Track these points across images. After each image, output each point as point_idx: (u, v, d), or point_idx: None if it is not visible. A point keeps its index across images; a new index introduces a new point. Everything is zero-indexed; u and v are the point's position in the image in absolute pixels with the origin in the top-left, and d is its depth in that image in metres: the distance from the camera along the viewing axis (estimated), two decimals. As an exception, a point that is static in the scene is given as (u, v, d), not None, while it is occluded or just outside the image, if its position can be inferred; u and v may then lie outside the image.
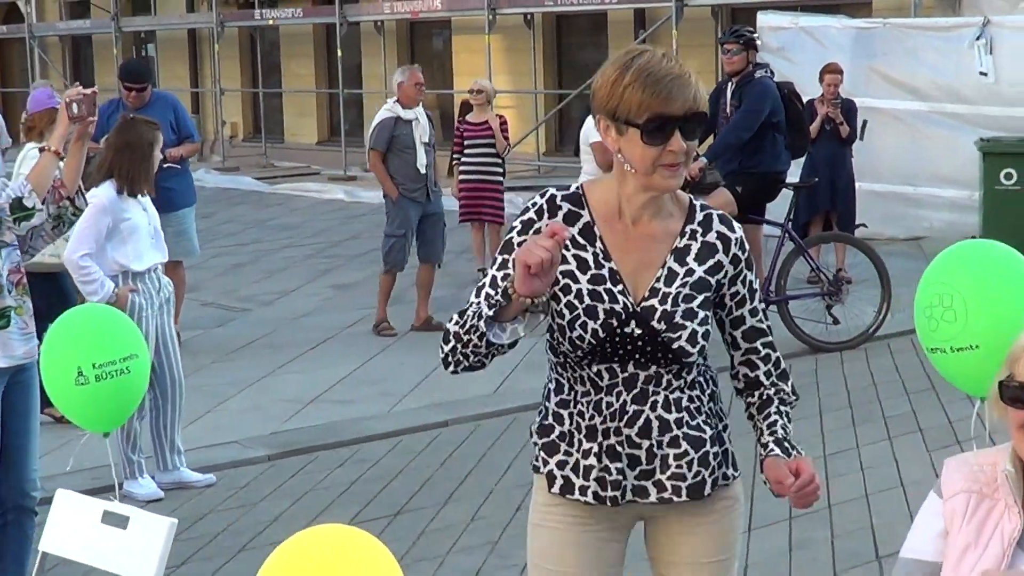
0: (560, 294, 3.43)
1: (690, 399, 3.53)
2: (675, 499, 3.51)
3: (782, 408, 3.61)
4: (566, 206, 3.48)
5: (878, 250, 11.17)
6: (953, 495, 3.09)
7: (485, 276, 3.48)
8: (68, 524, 3.97)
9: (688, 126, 3.33)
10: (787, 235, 10.93)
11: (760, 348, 3.60)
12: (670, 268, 3.46)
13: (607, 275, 3.43)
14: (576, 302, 3.42)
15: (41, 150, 5.58)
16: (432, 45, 26.31)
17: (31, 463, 5.66)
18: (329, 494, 7.60)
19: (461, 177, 13.62)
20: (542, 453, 3.59)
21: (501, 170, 13.74)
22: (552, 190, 3.53)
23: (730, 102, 11.04)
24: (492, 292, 3.39)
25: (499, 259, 3.48)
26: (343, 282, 14.31)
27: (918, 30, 15.54)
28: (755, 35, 11.21)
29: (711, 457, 3.54)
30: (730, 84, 11.10)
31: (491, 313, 3.25)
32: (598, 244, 3.45)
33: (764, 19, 16.26)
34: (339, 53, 25.27)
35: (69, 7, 33.55)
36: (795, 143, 11.21)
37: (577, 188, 3.52)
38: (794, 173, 11.94)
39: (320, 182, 23.78)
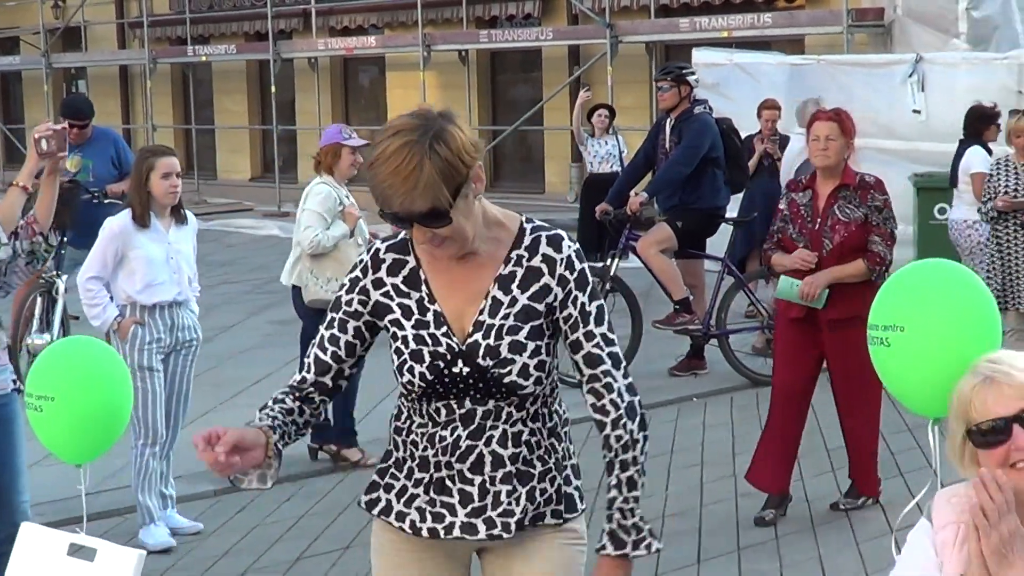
0: (391, 340, 3.52)
1: (531, 432, 3.50)
2: (504, 535, 3.49)
3: (623, 475, 3.47)
4: (390, 256, 3.54)
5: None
6: (944, 526, 3.07)
7: (322, 325, 3.60)
8: (34, 557, 3.94)
9: (421, 222, 3.29)
10: (727, 269, 11.03)
11: (600, 376, 3.46)
12: (494, 297, 3.45)
13: (431, 319, 3.46)
14: (403, 347, 3.48)
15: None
16: (366, 82, 26.35)
17: (18, 496, 5.54)
18: (278, 528, 7.58)
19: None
20: (375, 476, 3.65)
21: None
22: (377, 243, 3.60)
23: (669, 138, 11.11)
24: (320, 354, 3.57)
25: (330, 316, 3.58)
26: (283, 318, 14.23)
27: (851, 67, 15.74)
28: (686, 70, 11.23)
29: (537, 493, 3.51)
30: (668, 120, 11.17)
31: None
32: (423, 288, 3.49)
33: (699, 56, 16.40)
34: (273, 89, 25.26)
35: (-2, 43, 33.34)
36: (734, 178, 11.31)
37: (406, 234, 3.51)
38: (733, 208, 12.04)
39: (254, 218, 23.71)
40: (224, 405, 10.33)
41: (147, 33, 27.67)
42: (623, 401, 3.47)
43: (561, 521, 3.56)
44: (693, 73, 11.31)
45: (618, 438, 3.47)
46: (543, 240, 3.48)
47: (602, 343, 3.47)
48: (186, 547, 7.30)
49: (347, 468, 8.65)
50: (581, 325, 3.47)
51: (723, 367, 10.84)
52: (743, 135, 12.26)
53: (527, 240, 3.48)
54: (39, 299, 10.67)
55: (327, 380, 3.58)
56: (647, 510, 7.73)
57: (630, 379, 3.52)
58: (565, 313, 3.46)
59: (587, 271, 3.50)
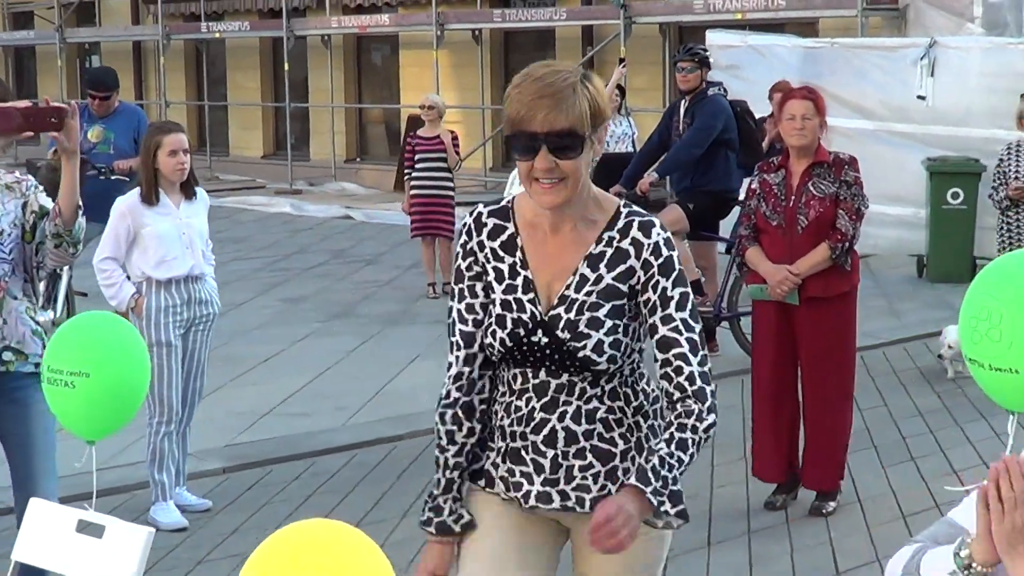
0: (485, 300, 3.57)
1: (609, 410, 3.52)
2: (578, 509, 3.53)
3: (676, 432, 3.38)
4: (492, 221, 3.59)
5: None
6: None
7: (451, 299, 3.64)
8: (42, 533, 3.93)
9: (555, 143, 3.32)
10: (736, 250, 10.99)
11: (672, 359, 3.42)
12: (582, 275, 3.48)
13: (520, 284, 3.52)
14: (492, 309, 3.53)
15: None
16: (379, 60, 26.30)
17: (39, 482, 5.33)
18: (286, 507, 7.58)
19: (413, 192, 13.62)
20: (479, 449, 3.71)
21: (452, 185, 13.79)
22: (480, 207, 3.64)
23: (683, 120, 11.10)
24: (463, 327, 3.58)
25: (455, 289, 3.63)
26: (294, 295, 14.28)
27: (865, 50, 15.69)
28: (709, 53, 11.29)
29: (620, 472, 3.51)
30: (683, 102, 11.16)
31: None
32: (518, 254, 3.54)
33: (713, 37, 16.35)
34: (286, 67, 25.23)
35: (12, 17, 33.28)
36: (747, 161, 11.24)
37: (508, 202, 3.60)
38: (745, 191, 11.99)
39: (266, 195, 23.69)
40: (234, 382, 10.33)
41: (161, 8, 27.64)
42: (693, 385, 3.41)
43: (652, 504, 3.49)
44: (710, 56, 11.35)
45: (684, 411, 3.40)
46: (635, 224, 3.49)
47: (681, 327, 3.43)
48: (195, 524, 7.29)
49: (350, 448, 8.66)
50: (660, 309, 3.45)
51: (734, 350, 10.82)
52: (756, 117, 12.21)
53: (620, 223, 3.49)
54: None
55: (476, 349, 3.59)
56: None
57: (707, 368, 3.46)
58: (644, 297, 3.47)
59: (674, 259, 3.48)
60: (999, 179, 10.08)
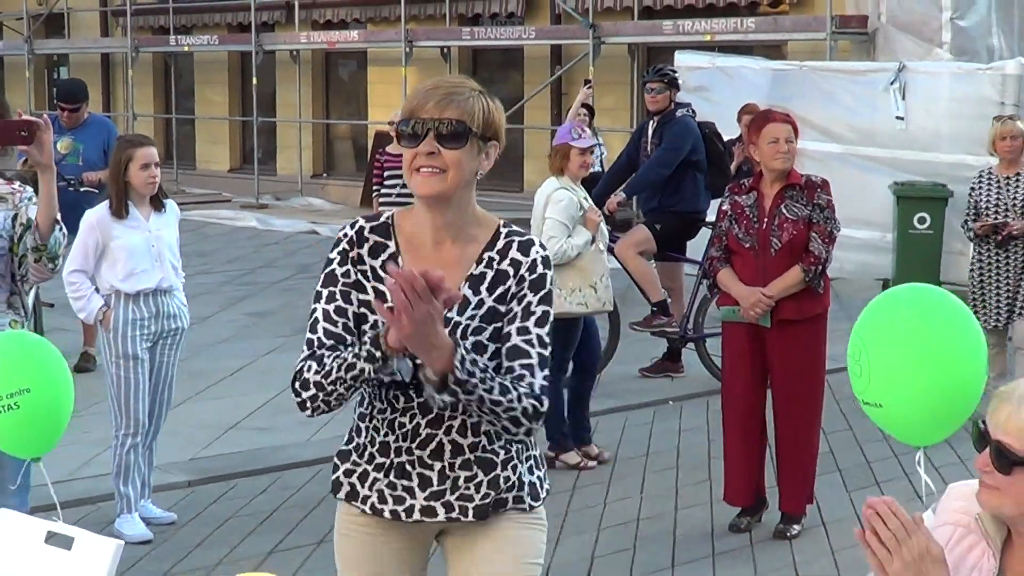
0: (362, 323, 3.53)
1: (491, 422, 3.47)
2: (462, 519, 3.57)
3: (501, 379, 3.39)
4: (373, 238, 3.57)
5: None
6: (941, 524, 2.94)
7: (316, 301, 3.56)
8: (10, 545, 3.90)
9: (441, 131, 3.38)
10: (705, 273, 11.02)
11: (517, 368, 3.44)
12: (464, 297, 3.47)
13: None
14: (369, 331, 3.46)
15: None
16: (347, 76, 26.28)
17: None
18: (252, 521, 7.55)
19: (381, 208, 13.58)
20: (336, 460, 3.72)
21: (420, 201, 13.74)
22: (360, 220, 3.61)
23: (651, 140, 11.14)
24: (330, 327, 3.49)
25: (325, 292, 3.55)
26: (259, 310, 14.24)
27: (834, 73, 15.77)
28: (678, 74, 11.34)
29: (501, 480, 3.58)
30: (652, 122, 11.20)
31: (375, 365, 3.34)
32: None
33: (682, 59, 16.40)
34: (254, 81, 25.18)
35: (-21, 28, 33.16)
36: (715, 182, 11.29)
37: (387, 218, 3.58)
38: (713, 212, 12.02)
39: (232, 209, 23.63)
40: (199, 396, 10.30)
41: (130, 21, 27.56)
42: (531, 394, 3.41)
43: (525, 507, 3.65)
44: (679, 77, 11.41)
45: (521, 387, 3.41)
46: (514, 244, 3.52)
47: (535, 341, 3.46)
48: (160, 537, 7.26)
49: (316, 463, 8.62)
50: (519, 320, 3.47)
51: (700, 371, 10.84)
52: (725, 139, 12.24)
53: (500, 243, 3.53)
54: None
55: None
56: (622, 513, 7.72)
57: (546, 385, 3.48)
58: (508, 307, 3.48)
59: (548, 278, 3.51)
60: (971, 209, 10.08)
